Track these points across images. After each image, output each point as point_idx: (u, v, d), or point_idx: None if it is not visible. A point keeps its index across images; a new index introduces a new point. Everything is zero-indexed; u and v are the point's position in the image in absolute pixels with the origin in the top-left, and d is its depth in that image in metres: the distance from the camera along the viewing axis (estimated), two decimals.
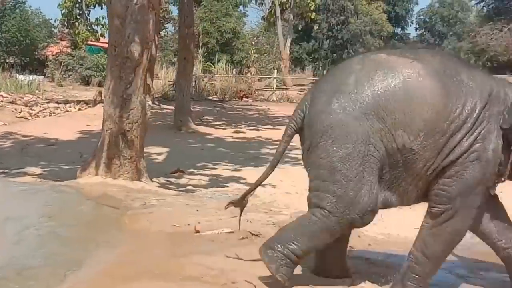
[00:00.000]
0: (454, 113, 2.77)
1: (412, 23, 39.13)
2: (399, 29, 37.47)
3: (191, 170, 7.67)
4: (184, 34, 13.29)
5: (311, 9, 24.46)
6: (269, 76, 25.48)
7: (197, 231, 4.28)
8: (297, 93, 22.81)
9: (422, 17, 39.35)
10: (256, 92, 22.64)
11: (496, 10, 26.16)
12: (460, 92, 2.80)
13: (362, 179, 2.76)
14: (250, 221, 4.58)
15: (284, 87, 24.48)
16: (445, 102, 2.76)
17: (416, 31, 40.46)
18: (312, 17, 25.04)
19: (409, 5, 37.06)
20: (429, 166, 2.79)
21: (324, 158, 2.80)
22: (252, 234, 4.23)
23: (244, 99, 21.46)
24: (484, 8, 28.53)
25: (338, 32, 31.46)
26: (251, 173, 7.41)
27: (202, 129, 12.67)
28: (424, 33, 38.94)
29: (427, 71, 2.79)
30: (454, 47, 34.52)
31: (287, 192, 6.27)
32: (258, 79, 26.00)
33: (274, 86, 23.94)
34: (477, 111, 2.80)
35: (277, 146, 3.18)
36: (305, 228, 2.90)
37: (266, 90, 23.26)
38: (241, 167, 7.97)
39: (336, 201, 2.80)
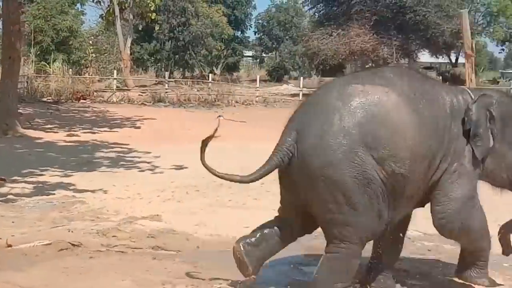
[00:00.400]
0: (431, 138, 3.03)
1: (251, 26, 40.56)
2: (239, 32, 38.58)
3: (15, 177, 7.02)
4: (9, 32, 12.25)
5: (151, 9, 24.10)
6: (109, 77, 24.57)
7: (9, 245, 3.90)
8: (139, 94, 22.34)
9: (260, 21, 40.89)
10: (95, 93, 21.69)
11: (326, 16, 27.97)
12: (432, 117, 3.06)
13: (369, 205, 2.95)
14: (72, 231, 4.30)
15: (126, 88, 23.79)
16: (421, 130, 3.00)
17: (255, 34, 41.97)
18: (153, 17, 24.70)
19: (248, 9, 38.36)
20: (419, 186, 3.08)
21: (329, 194, 2.93)
22: (73, 245, 3.97)
23: (82, 100, 20.42)
24: (316, 14, 30.38)
25: (180, 33, 31.43)
26: (83, 178, 7.02)
27: (32, 133, 11.75)
28: (263, 36, 40.51)
29: (402, 101, 2.99)
30: (290, 50, 36.50)
31: (119, 197, 6.03)
32: (98, 80, 24.94)
33: (114, 87, 23.14)
34: (448, 130, 3.11)
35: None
36: (337, 262, 3.06)
37: (106, 91, 22.40)
38: (71, 172, 7.51)
39: (353, 229, 2.98)
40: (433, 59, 34.46)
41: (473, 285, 3.38)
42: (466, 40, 17.97)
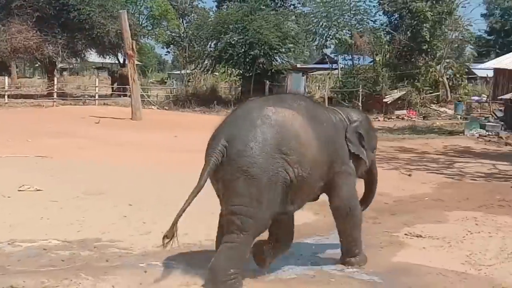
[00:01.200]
0: (326, 149, 4.40)
1: None
2: None
3: None
4: None
5: None
6: None
7: None
8: None
9: None
10: None
11: None
12: (325, 133, 4.44)
13: (271, 201, 4.11)
14: None
15: None
16: (320, 144, 4.31)
17: None
18: None
19: None
20: (316, 186, 4.45)
21: (245, 189, 4.01)
22: None
23: None
24: None
25: None
26: None
27: None
28: None
29: (305, 121, 4.27)
30: None
31: None
32: None
33: None
34: (335, 142, 4.55)
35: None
36: (234, 251, 4.10)
37: None
38: None
39: (253, 221, 4.08)
40: (101, 59, 37.22)
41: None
42: (127, 41, 21.06)
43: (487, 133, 17.63)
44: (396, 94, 28.97)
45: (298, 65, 41.66)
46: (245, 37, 28.62)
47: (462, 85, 32.73)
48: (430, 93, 30.02)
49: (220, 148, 4.07)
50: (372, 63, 33.01)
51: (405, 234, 6.07)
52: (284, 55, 30.44)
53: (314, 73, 37.41)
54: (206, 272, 4.14)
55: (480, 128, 18.18)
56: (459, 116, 25.71)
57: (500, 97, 21.71)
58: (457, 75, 32.17)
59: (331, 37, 32.80)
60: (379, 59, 32.39)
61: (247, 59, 30.35)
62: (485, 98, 27.40)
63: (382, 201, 7.92)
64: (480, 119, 21.12)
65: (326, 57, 38.59)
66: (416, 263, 5.11)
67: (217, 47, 29.63)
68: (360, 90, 27.52)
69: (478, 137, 17.16)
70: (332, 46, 34.18)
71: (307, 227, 6.27)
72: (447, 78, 31.37)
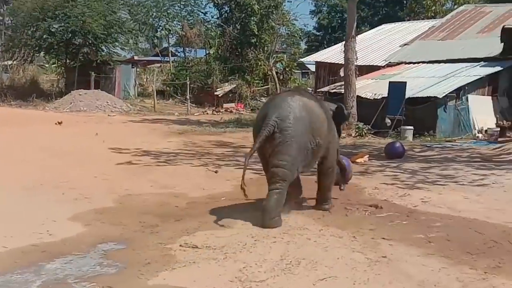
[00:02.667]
0: (328, 126, 6.46)
1: None
2: None
3: None
4: None
5: None
6: None
7: None
8: None
9: None
10: None
11: None
12: (327, 115, 6.56)
13: (300, 161, 6.12)
14: None
15: None
16: (327, 123, 6.44)
17: None
18: None
19: None
20: (322, 152, 6.44)
21: (288, 151, 5.94)
22: None
23: None
24: None
25: None
26: None
27: None
28: None
29: (318, 106, 6.43)
30: None
31: None
32: None
33: None
34: (331, 122, 6.61)
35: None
36: (279, 195, 5.97)
37: None
38: None
39: (290, 174, 6.04)
40: None
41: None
42: None
43: None
44: (227, 87, 28.73)
45: (136, 57, 40.01)
46: (65, 25, 26.32)
47: (291, 79, 33.49)
48: (261, 86, 30.21)
49: (272, 123, 5.90)
50: (205, 56, 32.51)
51: (180, 246, 5.23)
52: (111, 45, 28.57)
53: (153, 65, 36.02)
54: (260, 212, 5.92)
55: None
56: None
57: (319, 90, 22.20)
58: (287, 69, 32.83)
59: (161, 28, 31.69)
60: (213, 52, 32.03)
61: (70, 49, 28.09)
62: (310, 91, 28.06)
63: (173, 204, 7.13)
64: None
65: (167, 49, 37.37)
66: (177, 285, 4.25)
67: (35, 35, 26.90)
68: (188, 83, 26.68)
69: None
70: (163, 38, 32.89)
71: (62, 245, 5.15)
72: (277, 72, 31.83)
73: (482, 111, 16.58)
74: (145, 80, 32.39)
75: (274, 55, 32.15)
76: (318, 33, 53.19)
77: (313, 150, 6.15)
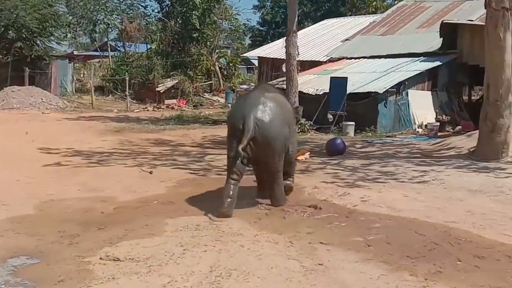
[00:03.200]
0: (293, 117, 7.21)
1: None
2: None
3: None
4: None
5: None
6: None
7: None
8: None
9: None
10: None
11: None
12: (291, 107, 7.46)
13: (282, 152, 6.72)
14: None
15: None
16: (292, 114, 7.23)
17: None
18: None
19: None
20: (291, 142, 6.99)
21: (275, 150, 6.54)
22: None
23: None
24: None
25: None
26: None
27: None
28: None
29: (285, 100, 7.38)
30: None
31: None
32: None
33: None
34: (292, 114, 7.24)
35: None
36: (279, 185, 6.86)
37: None
38: None
39: (281, 166, 6.77)
40: None
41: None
42: None
43: None
44: (169, 83, 28.06)
45: (76, 52, 38.56)
46: None
47: (235, 74, 33.11)
48: (204, 82, 29.69)
49: (253, 124, 6.23)
50: (147, 51, 31.69)
51: (101, 258, 4.76)
52: (46, 39, 27.35)
53: (92, 60, 34.82)
54: (271, 200, 6.83)
55: None
56: (229, 105, 25.59)
57: (250, 85, 21.96)
58: (231, 64, 32.42)
59: (99, 21, 30.61)
60: (155, 47, 31.24)
61: (3, 44, 26.74)
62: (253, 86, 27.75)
63: (98, 210, 6.63)
64: None
65: (108, 44, 36.17)
66: None
67: None
68: (127, 78, 25.87)
69: None
70: (102, 32, 31.80)
71: None
72: (220, 67, 31.38)
73: (422, 106, 16.68)
74: (82, 75, 31.27)
75: (217, 50, 31.69)
76: (262, 28, 52.99)
77: (287, 140, 6.75)
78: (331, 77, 16.89)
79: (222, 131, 15.60)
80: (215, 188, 7.85)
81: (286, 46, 16.88)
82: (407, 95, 16.58)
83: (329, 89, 16.49)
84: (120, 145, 12.44)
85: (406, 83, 16.58)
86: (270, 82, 21.01)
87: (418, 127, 16.18)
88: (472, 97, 20.99)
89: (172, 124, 17.62)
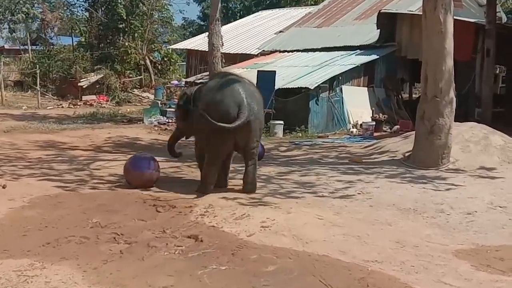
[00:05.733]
0: None
1: None
2: None
3: None
4: None
5: None
6: None
7: None
8: None
9: None
10: None
11: None
12: None
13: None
14: None
15: None
16: None
17: None
18: None
19: None
20: None
21: (259, 132, 7.20)
22: None
23: None
24: None
25: None
26: None
27: None
28: None
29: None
30: None
31: None
32: None
33: None
34: None
35: None
36: (255, 167, 7.11)
37: None
38: None
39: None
40: None
41: None
42: None
43: (167, 120, 15.44)
44: (93, 77, 25.67)
45: (6, 46, 35.48)
46: None
47: (171, 69, 30.97)
48: (134, 76, 27.44)
49: (248, 109, 6.57)
50: (72, 44, 29.17)
51: None
52: None
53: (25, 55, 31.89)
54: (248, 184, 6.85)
55: (161, 114, 15.94)
56: (159, 102, 23.47)
57: (187, 80, 20.06)
58: (165, 59, 30.28)
59: (18, 11, 27.88)
60: (82, 39, 28.80)
61: None
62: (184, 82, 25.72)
63: None
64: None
65: (28, 35, 33.24)
66: None
67: None
68: (38, 72, 23.39)
69: (155, 126, 14.87)
70: (20, 22, 29.02)
71: None
72: (155, 62, 29.22)
73: (357, 104, 15.15)
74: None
75: (152, 44, 29.42)
76: (202, 23, 50.80)
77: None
78: (258, 71, 15.15)
79: (133, 131, 13.68)
80: (73, 211, 5.95)
81: (209, 36, 15.02)
82: (341, 91, 15.01)
83: (256, 84, 14.66)
84: None
85: (340, 78, 15.00)
86: (194, 77, 19.16)
87: (352, 127, 14.62)
88: (413, 95, 19.63)
89: (80, 123, 15.47)
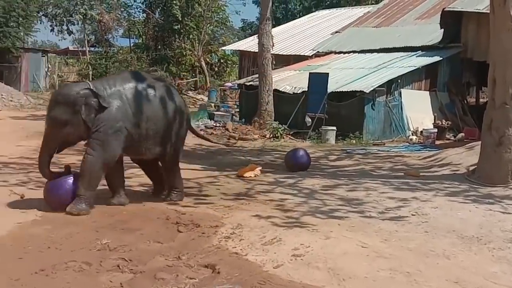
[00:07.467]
0: None
1: None
2: None
3: None
4: None
5: None
6: None
7: None
8: None
9: None
10: None
11: None
12: None
13: None
14: None
15: None
16: None
17: None
18: None
19: None
20: None
21: None
22: None
23: None
24: None
25: None
26: None
27: None
28: None
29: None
30: None
31: None
32: None
33: None
34: None
35: None
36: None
37: None
38: None
39: None
40: None
41: None
42: None
43: (214, 123, 14.84)
44: None
45: (71, 47, 36.23)
46: None
47: (227, 72, 30.59)
48: (187, 78, 27.19)
49: None
50: (130, 45, 29.29)
51: None
52: (12, 30, 24.91)
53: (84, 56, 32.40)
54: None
55: (209, 118, 15.36)
56: (212, 104, 23.01)
57: (234, 83, 19.40)
58: (222, 61, 29.92)
59: (76, 12, 28.14)
60: (142, 41, 28.83)
61: None
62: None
63: None
64: (227, 106, 18.57)
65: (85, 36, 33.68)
66: None
67: None
68: (91, 73, 23.45)
69: (201, 130, 14.27)
70: (78, 23, 29.31)
71: None
72: (211, 64, 28.88)
73: (418, 109, 14.04)
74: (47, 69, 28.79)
75: (205, 45, 29.10)
76: None
77: None
78: (310, 73, 14.30)
79: None
80: (85, 228, 5.35)
81: (259, 36, 14.34)
82: (400, 95, 13.96)
83: (308, 87, 13.88)
84: (32, 153, 9.86)
85: (399, 81, 13.95)
86: (244, 79, 18.48)
87: (412, 134, 13.52)
88: (481, 99, 18.20)
89: None
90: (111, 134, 5.79)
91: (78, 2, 27.47)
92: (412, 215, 6.05)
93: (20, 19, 24.60)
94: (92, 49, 32.03)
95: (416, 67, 14.27)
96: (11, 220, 5.55)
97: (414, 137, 13.23)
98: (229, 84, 25.24)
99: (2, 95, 21.52)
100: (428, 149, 11.56)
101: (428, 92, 14.65)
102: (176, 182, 6.53)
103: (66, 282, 3.98)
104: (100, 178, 5.92)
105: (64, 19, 28.27)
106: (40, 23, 27.90)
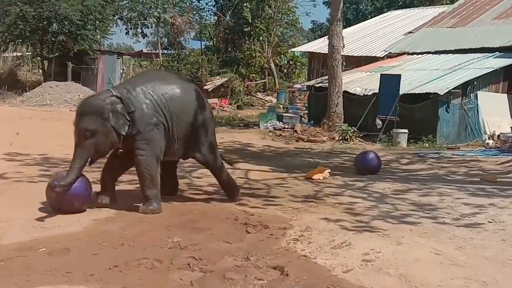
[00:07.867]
0: None
1: None
2: None
3: None
4: None
5: None
6: None
7: None
8: None
9: None
10: None
11: None
12: None
13: None
14: None
15: None
16: None
17: None
18: None
19: None
20: None
21: None
22: None
23: None
24: None
25: None
26: None
27: None
28: None
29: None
30: None
31: None
32: None
33: None
34: None
35: None
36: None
37: None
38: None
39: None
40: None
41: None
42: None
43: (283, 125, 14.84)
44: (218, 81, 25.93)
45: (145, 50, 37.39)
46: (39, 9, 23.74)
47: (296, 73, 30.52)
48: (256, 80, 27.35)
49: None
50: (201, 48, 29.81)
51: None
52: (90, 33, 25.90)
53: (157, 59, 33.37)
54: None
55: (278, 119, 15.38)
56: (281, 105, 23.05)
57: (303, 84, 19.31)
58: (291, 63, 29.89)
59: (150, 15, 28.96)
60: (212, 43, 29.31)
61: (46, 37, 25.57)
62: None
63: None
64: (296, 108, 18.58)
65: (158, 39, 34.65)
66: None
67: (5, 22, 24.31)
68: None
69: (270, 131, 14.33)
70: (151, 26, 30.14)
71: None
72: (280, 66, 28.92)
73: (495, 112, 13.49)
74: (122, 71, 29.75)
75: (274, 47, 29.17)
76: None
77: None
78: (381, 75, 14.03)
79: (245, 137, 13.26)
80: (156, 226, 5.48)
81: (329, 37, 14.24)
82: (476, 98, 13.45)
83: (379, 89, 13.64)
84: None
85: (475, 83, 13.45)
86: (314, 80, 18.36)
87: (488, 138, 13.00)
88: None
89: None
90: (151, 130, 5.86)
91: (152, 6, 28.21)
92: (489, 222, 5.80)
93: (97, 22, 25.52)
94: (165, 51, 32.86)
95: (493, 69, 13.72)
96: (87, 216, 5.77)
97: (490, 141, 12.71)
98: (298, 85, 25.18)
99: (79, 96, 22.44)
100: (505, 154, 11.07)
101: (506, 94, 14.06)
102: (227, 182, 6.68)
103: (138, 279, 4.08)
104: (158, 173, 5.97)
105: (139, 22, 29.06)
106: (116, 26, 28.82)
